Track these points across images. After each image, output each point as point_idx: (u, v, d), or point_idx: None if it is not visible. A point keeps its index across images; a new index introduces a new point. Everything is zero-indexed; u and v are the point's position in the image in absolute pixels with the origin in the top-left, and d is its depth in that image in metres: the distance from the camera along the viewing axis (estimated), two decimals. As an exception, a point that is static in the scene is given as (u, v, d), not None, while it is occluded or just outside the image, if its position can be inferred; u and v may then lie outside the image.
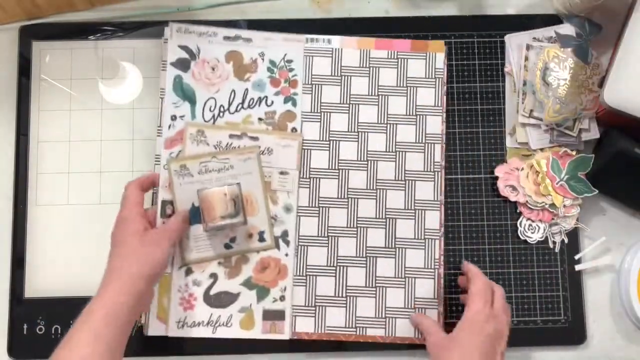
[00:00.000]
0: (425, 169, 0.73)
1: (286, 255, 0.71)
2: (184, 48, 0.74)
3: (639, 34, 0.69)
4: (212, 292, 0.70)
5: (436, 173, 0.73)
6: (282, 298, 0.70)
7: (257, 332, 0.70)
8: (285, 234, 0.71)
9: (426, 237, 0.72)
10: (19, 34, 0.75)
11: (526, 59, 0.74)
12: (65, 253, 0.72)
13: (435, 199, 0.72)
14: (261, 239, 0.71)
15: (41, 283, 0.72)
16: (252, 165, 0.71)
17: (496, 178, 0.74)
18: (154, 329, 0.70)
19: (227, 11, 0.77)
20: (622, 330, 0.73)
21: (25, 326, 0.71)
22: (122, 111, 0.75)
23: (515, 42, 0.75)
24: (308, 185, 0.72)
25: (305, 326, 0.70)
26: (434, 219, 0.72)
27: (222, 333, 0.70)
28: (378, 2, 0.78)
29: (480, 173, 0.74)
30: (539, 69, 0.73)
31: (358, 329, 0.71)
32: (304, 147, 0.73)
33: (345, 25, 0.76)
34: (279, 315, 0.70)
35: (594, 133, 0.74)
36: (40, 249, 0.72)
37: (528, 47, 0.74)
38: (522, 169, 0.73)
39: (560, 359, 0.72)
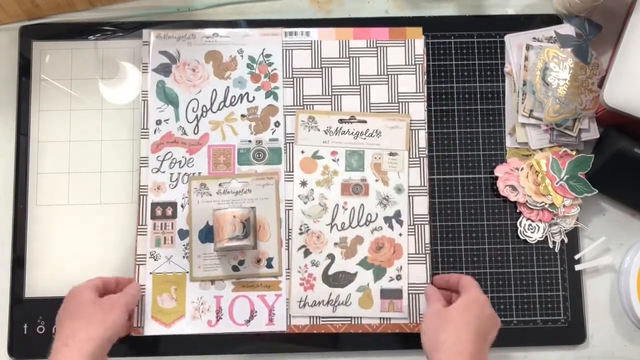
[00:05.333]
0: (411, 156, 0.73)
1: (400, 235, 0.72)
2: (164, 53, 0.74)
3: (639, 34, 0.69)
4: (330, 272, 0.71)
5: (421, 159, 0.73)
6: (399, 277, 0.71)
7: (375, 311, 0.71)
8: (397, 214, 0.72)
9: (415, 222, 0.72)
10: (19, 34, 0.75)
11: (526, 59, 0.74)
12: (65, 253, 0.72)
13: (422, 185, 0.73)
14: (269, 265, 0.71)
15: (41, 283, 0.72)
16: (270, 191, 0.71)
17: (496, 178, 0.74)
18: (151, 329, 0.70)
19: (227, 11, 0.77)
20: (622, 330, 0.73)
21: (25, 326, 0.71)
22: (122, 111, 0.75)
23: (515, 42, 0.75)
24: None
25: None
26: (421, 204, 0.72)
27: (342, 312, 0.70)
28: (378, 2, 0.78)
29: (480, 173, 0.74)
30: (538, 69, 0.73)
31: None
32: (287, 141, 0.73)
33: (345, 25, 0.76)
34: (396, 293, 0.71)
35: (594, 133, 0.74)
36: (40, 249, 0.72)
37: (528, 47, 0.74)
38: (522, 169, 0.73)
39: (560, 358, 0.72)
